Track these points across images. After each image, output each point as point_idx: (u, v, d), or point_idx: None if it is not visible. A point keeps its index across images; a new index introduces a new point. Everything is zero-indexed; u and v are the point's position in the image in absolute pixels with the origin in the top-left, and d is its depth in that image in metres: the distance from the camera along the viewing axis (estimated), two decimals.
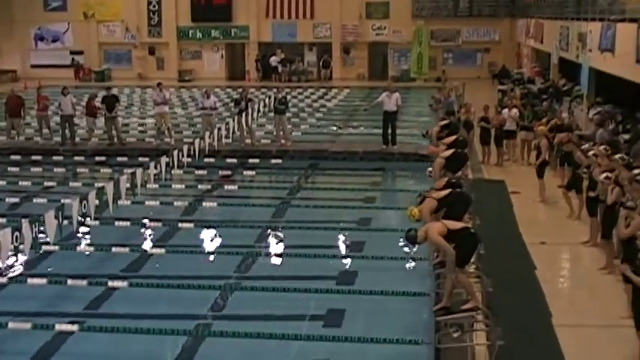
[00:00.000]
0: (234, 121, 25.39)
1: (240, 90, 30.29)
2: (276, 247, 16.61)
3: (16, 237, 11.71)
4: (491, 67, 47.17)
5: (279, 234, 17.27)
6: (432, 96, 35.42)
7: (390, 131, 25.12)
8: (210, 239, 17.06)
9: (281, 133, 26.19)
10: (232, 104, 28.15)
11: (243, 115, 25.59)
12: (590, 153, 15.83)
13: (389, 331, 11.54)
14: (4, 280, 13.85)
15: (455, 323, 10.76)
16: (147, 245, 16.59)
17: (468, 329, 10.87)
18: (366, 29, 49.24)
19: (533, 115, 23.34)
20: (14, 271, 14.18)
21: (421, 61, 47.42)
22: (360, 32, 49.15)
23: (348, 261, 15.43)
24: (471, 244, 11.33)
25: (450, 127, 19.82)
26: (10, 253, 11.81)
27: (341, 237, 16.95)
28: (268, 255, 15.94)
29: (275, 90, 28.40)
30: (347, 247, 16.41)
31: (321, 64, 49.80)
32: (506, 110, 23.18)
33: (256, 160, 24.38)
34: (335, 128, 29.99)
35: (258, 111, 28.73)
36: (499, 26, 48.39)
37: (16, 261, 12.26)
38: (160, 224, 17.94)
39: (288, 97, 31.19)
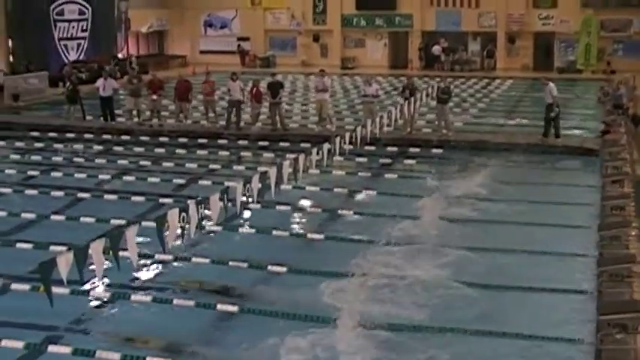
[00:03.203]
0: (396, 109, 25.35)
1: (403, 78, 30.27)
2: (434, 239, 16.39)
3: (183, 217, 12.08)
4: None
5: (437, 225, 17.05)
6: (601, 87, 34.33)
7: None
8: (367, 228, 17.02)
9: (442, 122, 26.00)
10: (399, 92, 28.13)
11: (406, 103, 25.53)
12: None
13: (548, 328, 11.30)
14: (170, 257, 14.34)
15: (618, 324, 10.41)
16: (306, 230, 16.82)
17: (631, 331, 10.50)
18: (533, 18, 48.17)
19: None
20: (180, 250, 14.63)
21: (589, 53, 45.97)
22: (526, 22, 48.13)
23: (506, 255, 15.11)
24: None
25: None
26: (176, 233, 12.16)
27: (499, 230, 16.64)
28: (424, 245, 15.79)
29: (438, 79, 28.18)
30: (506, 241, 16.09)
31: (484, 53, 49.10)
32: None
33: (417, 149, 24.33)
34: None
35: (422, 100, 28.62)
36: None
37: (182, 240, 12.63)
38: (319, 210, 18.16)
39: (451, 86, 30.92)
